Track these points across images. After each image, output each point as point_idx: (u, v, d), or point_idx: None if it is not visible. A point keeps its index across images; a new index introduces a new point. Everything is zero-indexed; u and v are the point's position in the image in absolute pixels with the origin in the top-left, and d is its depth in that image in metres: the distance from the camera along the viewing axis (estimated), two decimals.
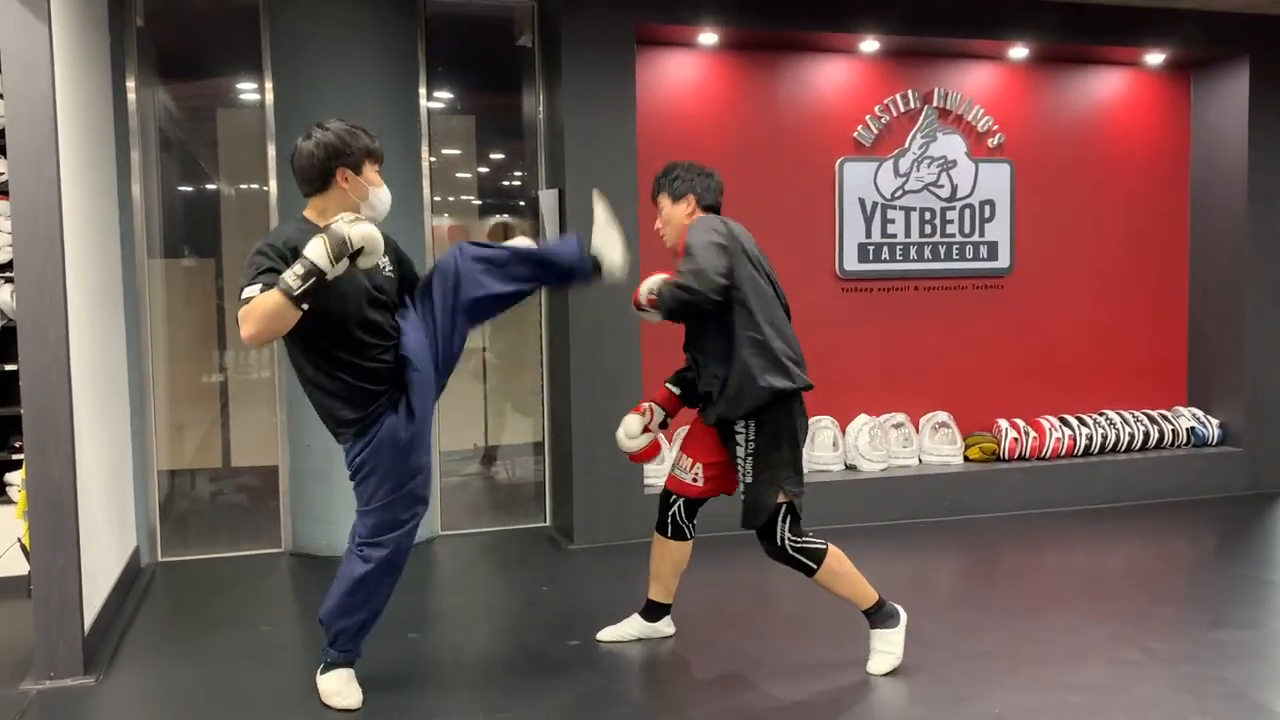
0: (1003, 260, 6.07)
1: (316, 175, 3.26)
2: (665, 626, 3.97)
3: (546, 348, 5.73)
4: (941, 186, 5.96)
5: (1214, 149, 6.34)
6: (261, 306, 2.91)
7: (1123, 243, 6.39)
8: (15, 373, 3.57)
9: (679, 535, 3.81)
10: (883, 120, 5.86)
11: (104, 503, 4.20)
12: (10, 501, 4.45)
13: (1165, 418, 6.35)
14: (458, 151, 6.73)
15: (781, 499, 3.46)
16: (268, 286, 2.94)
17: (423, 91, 5.45)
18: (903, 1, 5.54)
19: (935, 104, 5.94)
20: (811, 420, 5.79)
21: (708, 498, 3.80)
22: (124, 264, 4.99)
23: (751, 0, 5.36)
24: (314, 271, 2.89)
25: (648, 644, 3.93)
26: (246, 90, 5.58)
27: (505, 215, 6.36)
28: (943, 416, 6.00)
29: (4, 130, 3.51)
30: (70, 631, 3.58)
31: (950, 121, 5.98)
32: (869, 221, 5.86)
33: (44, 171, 3.49)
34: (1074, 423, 6.14)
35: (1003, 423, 6.04)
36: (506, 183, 6.35)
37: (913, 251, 5.94)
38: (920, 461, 5.95)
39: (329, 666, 3.41)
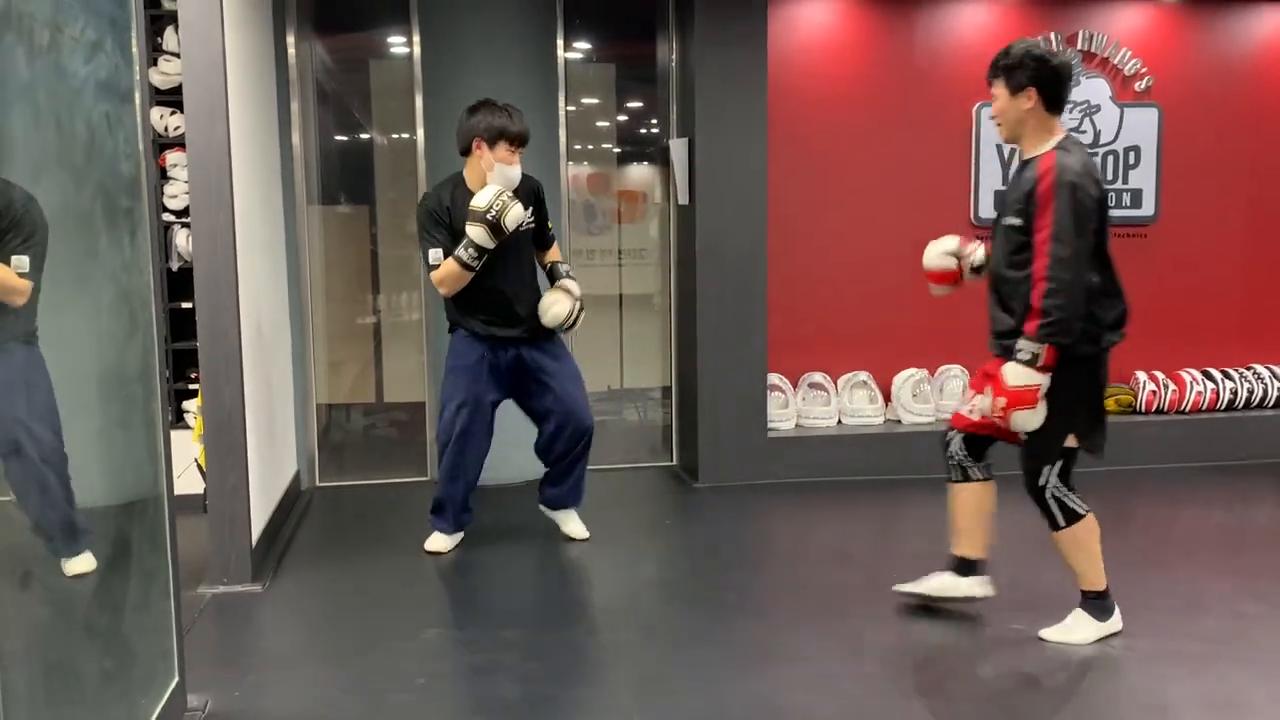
0: (1147, 208, 5.88)
1: (461, 143, 4.15)
2: (977, 586, 3.65)
3: (675, 295, 5.89)
4: (1084, 132, 5.80)
5: None
6: (449, 273, 4.02)
7: (1277, 193, 6.09)
8: (191, 310, 3.95)
9: (963, 477, 3.61)
10: None
11: (268, 430, 4.61)
12: (188, 427, 4.91)
13: (1275, 374, 6.07)
14: (596, 100, 6.89)
15: (1070, 443, 3.35)
16: (445, 250, 4.01)
17: (560, 42, 5.62)
18: None
19: (1079, 47, 5.76)
20: (940, 368, 5.83)
21: (990, 438, 3.56)
22: (285, 211, 5.36)
23: None
24: (482, 250, 3.95)
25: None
26: (396, 44, 5.87)
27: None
28: None
29: (181, 88, 3.85)
30: (240, 543, 3.99)
31: (1095, 65, 5.80)
32: (1006, 168, 5.76)
33: (216, 128, 3.82)
34: (1218, 376, 5.94)
35: (1141, 375, 5.91)
36: (643, 130, 6.48)
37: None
38: None
39: None
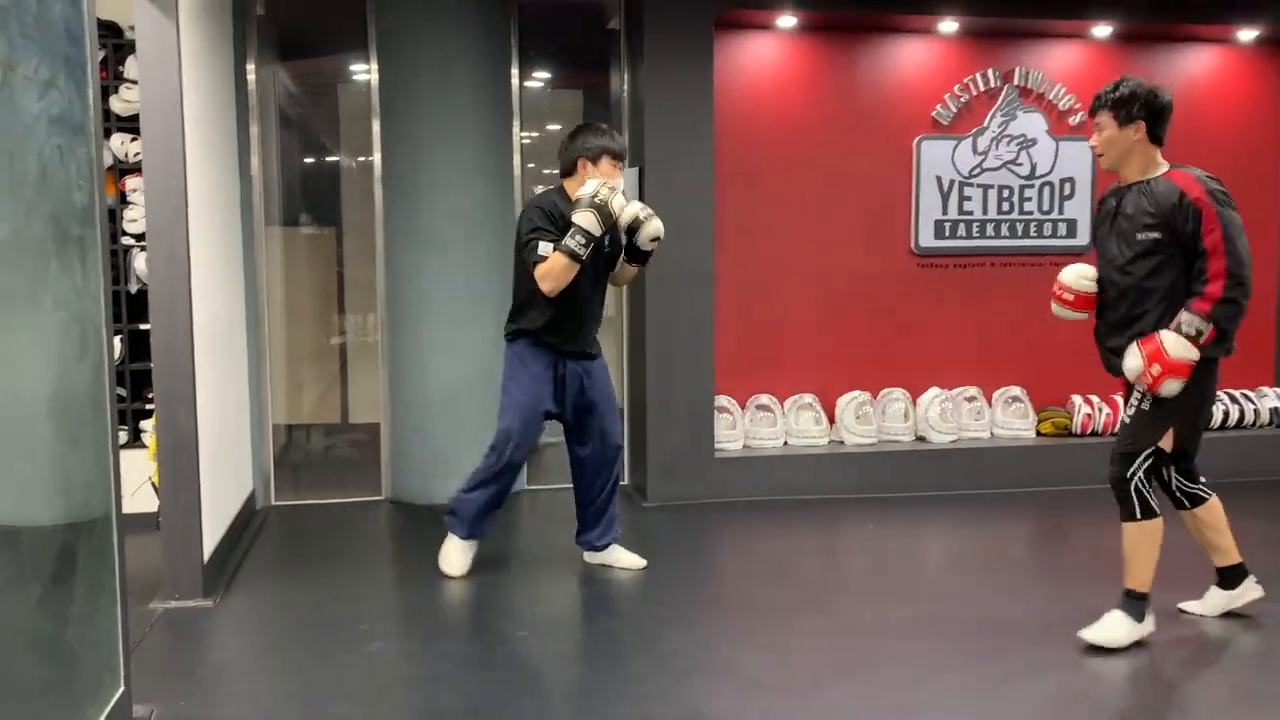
0: (1082, 238, 6.11)
1: (564, 165, 4.30)
2: (1250, 590, 3.85)
3: (626, 318, 6.04)
4: (1020, 165, 6.04)
5: None
6: (556, 265, 4.01)
7: None
8: (149, 331, 4.06)
9: (1182, 504, 3.78)
10: (962, 99, 5.96)
11: (223, 449, 4.71)
12: (144, 446, 5.00)
13: (1248, 397, 6.32)
14: (560, 126, 7.06)
15: (1165, 444, 3.54)
16: (554, 246, 4.01)
17: (515, 70, 5.78)
18: None
19: (1016, 83, 6.00)
20: (882, 391, 6.02)
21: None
22: (244, 233, 5.48)
23: None
24: (590, 238, 3.97)
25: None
26: (357, 71, 6.02)
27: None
28: (1015, 391, 6.12)
29: (138, 115, 3.98)
30: (192, 559, 4.08)
31: (1031, 100, 6.04)
32: (946, 199, 5.99)
33: (172, 153, 3.94)
34: None
35: (1076, 399, 6.12)
36: None
37: (989, 229, 6.04)
38: (992, 435, 6.08)
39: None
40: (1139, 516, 3.58)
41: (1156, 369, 3.42)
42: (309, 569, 4.62)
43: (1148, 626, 3.62)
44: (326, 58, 6.37)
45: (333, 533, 5.25)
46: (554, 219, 4.12)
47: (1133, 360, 3.49)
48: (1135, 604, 3.61)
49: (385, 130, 5.58)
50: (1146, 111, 3.57)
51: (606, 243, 4.23)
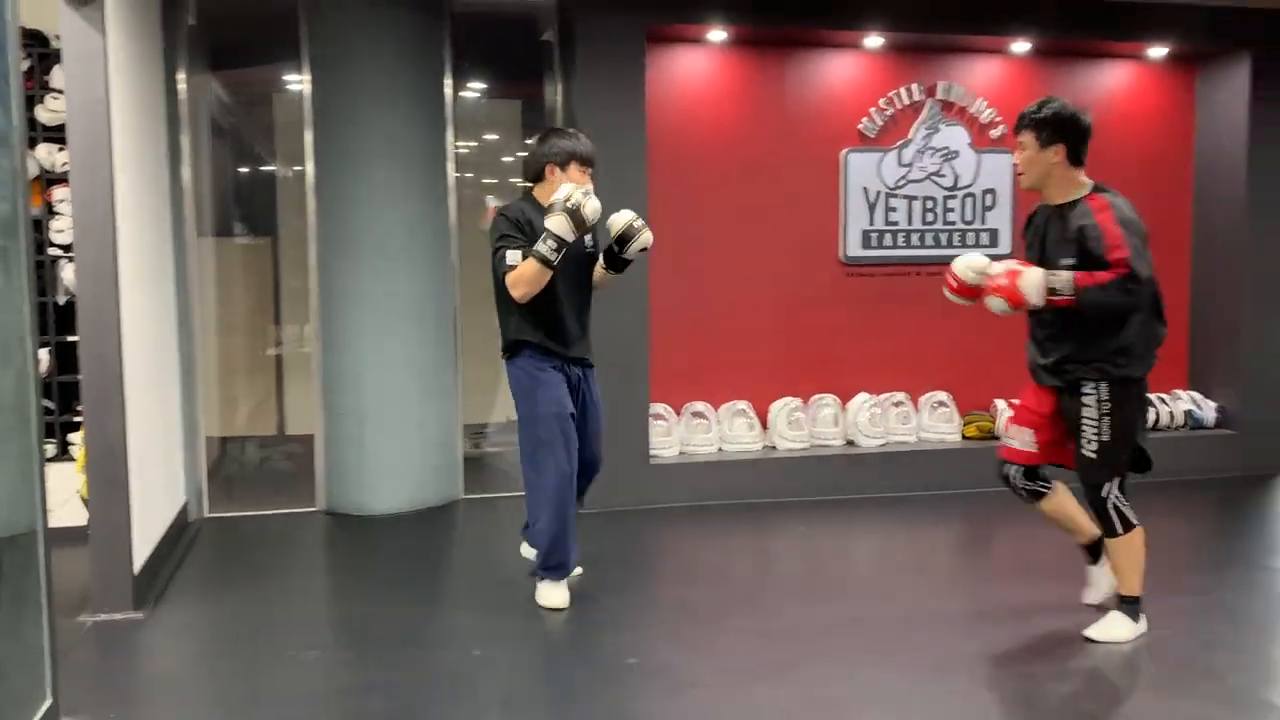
0: (1003, 247, 6.30)
1: (531, 170, 4.22)
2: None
3: None
4: (944, 176, 6.22)
5: (1216, 141, 6.51)
6: (528, 271, 3.93)
7: None
8: (77, 343, 4.03)
9: (1035, 496, 3.93)
10: (887, 113, 6.13)
11: (154, 461, 4.67)
12: (73, 459, 4.94)
13: (1164, 400, 6.55)
14: (498, 136, 7.14)
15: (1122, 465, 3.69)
16: (523, 253, 3.95)
17: (449, 82, 5.81)
18: None
19: (939, 97, 6.19)
20: (813, 398, 6.15)
21: (1039, 466, 3.92)
22: (176, 243, 5.43)
23: (759, 1, 5.66)
24: (562, 243, 3.90)
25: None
26: (290, 81, 6.01)
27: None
28: (941, 396, 6.28)
29: (65, 125, 3.95)
30: (121, 572, 4.05)
31: (953, 114, 6.23)
32: (872, 210, 6.14)
33: (99, 163, 3.92)
34: None
35: (999, 403, 6.31)
36: None
37: (914, 238, 6.21)
38: (919, 439, 6.24)
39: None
40: (1121, 531, 3.73)
41: (1004, 281, 3.59)
42: (242, 580, 4.60)
43: (1144, 625, 3.78)
44: (259, 67, 6.36)
45: (267, 544, 5.23)
46: (521, 226, 4.07)
47: (997, 267, 3.67)
48: (1131, 607, 3.78)
49: (319, 140, 5.58)
50: (1067, 134, 3.68)
51: (588, 244, 4.21)
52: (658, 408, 5.91)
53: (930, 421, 6.24)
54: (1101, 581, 4.04)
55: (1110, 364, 3.63)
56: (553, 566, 4.17)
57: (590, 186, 4.14)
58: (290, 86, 5.99)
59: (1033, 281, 3.57)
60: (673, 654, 3.73)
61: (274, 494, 6.07)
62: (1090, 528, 3.99)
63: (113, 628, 3.95)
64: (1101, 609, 3.93)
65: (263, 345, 6.88)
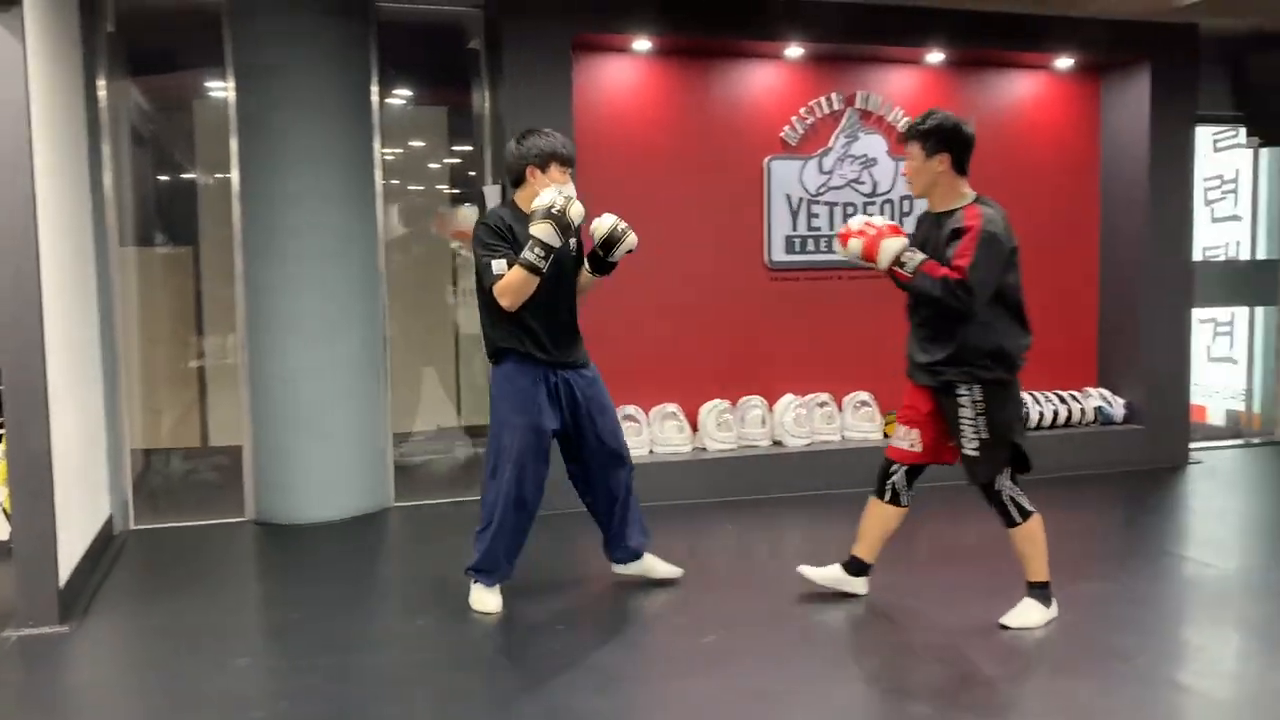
0: None
1: (513, 173, 4.18)
2: (861, 586, 4.24)
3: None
4: (863, 183, 6.40)
5: (1121, 147, 6.80)
6: (515, 280, 3.92)
7: (1037, 236, 6.78)
8: None
9: (895, 501, 4.09)
10: (808, 121, 6.29)
11: (78, 473, 4.61)
12: None
13: (1075, 398, 6.82)
14: (424, 143, 7.13)
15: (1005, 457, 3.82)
16: (508, 262, 3.94)
17: (375, 89, 5.83)
18: (826, 11, 5.96)
19: (857, 106, 6.37)
20: (741, 399, 6.28)
21: (923, 468, 4.07)
22: (97, 252, 5.36)
23: (682, 11, 5.78)
24: (549, 250, 3.88)
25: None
26: (214, 87, 5.96)
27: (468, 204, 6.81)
28: (864, 396, 6.46)
29: None
30: (46, 585, 4.00)
31: (871, 122, 6.42)
32: (795, 216, 6.30)
33: (19, 170, 3.88)
34: None
35: None
36: (474, 173, 6.78)
37: (836, 243, 6.35)
38: (843, 438, 6.40)
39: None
40: (1020, 520, 3.89)
41: (871, 232, 3.80)
42: (170, 591, 4.56)
43: (1055, 610, 3.95)
44: (181, 73, 6.28)
45: (194, 555, 5.18)
46: (503, 234, 4.04)
47: (879, 221, 3.89)
48: (1040, 592, 3.94)
49: (243, 147, 5.55)
50: (950, 144, 3.84)
51: (571, 247, 4.19)
52: None
53: (853, 421, 6.41)
54: (829, 573, 4.26)
55: (982, 368, 3.80)
56: (485, 570, 4.22)
57: (572, 188, 4.12)
58: (213, 93, 5.94)
59: (890, 247, 3.76)
60: (604, 651, 3.80)
61: (201, 505, 6.01)
62: (873, 551, 4.18)
63: (38, 642, 3.90)
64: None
65: (185, 356, 6.79)
